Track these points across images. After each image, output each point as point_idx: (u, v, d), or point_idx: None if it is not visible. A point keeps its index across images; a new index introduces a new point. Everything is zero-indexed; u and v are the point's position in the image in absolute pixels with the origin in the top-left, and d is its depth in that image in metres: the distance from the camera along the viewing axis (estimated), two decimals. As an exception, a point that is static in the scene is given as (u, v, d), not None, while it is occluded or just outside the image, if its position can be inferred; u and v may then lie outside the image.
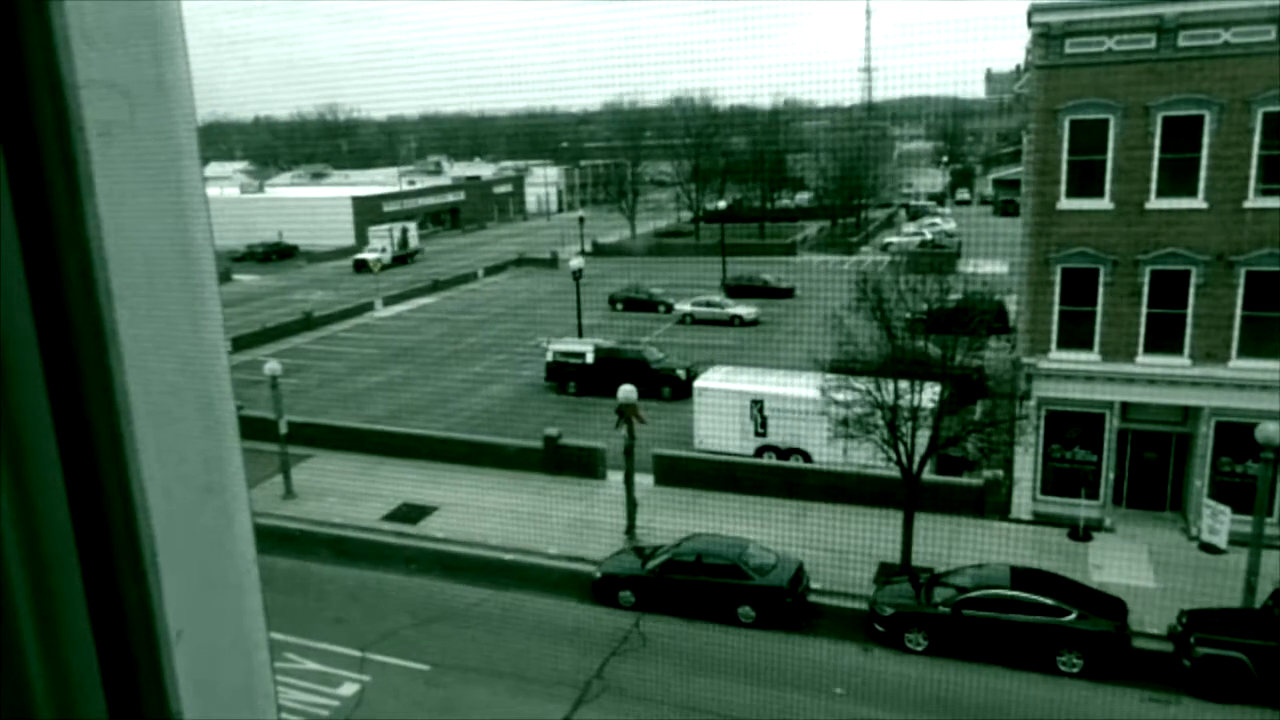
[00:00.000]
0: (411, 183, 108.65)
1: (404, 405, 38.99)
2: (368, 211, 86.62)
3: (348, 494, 29.25)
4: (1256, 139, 22.47)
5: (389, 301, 61.23)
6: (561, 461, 30.14)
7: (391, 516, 27.65)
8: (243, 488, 1.12)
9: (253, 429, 33.29)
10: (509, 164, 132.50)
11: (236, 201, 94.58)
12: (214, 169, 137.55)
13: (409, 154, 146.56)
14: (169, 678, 1.00)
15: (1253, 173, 22.64)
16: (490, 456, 31.13)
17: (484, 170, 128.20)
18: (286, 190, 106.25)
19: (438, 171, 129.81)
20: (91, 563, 0.94)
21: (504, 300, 62.72)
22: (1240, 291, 23.22)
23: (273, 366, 29.04)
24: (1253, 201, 22.79)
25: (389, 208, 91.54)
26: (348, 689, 19.20)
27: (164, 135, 1.00)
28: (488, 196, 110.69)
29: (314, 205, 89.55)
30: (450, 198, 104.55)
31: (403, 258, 76.15)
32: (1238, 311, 23.32)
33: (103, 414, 0.93)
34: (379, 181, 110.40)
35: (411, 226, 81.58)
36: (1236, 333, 23.42)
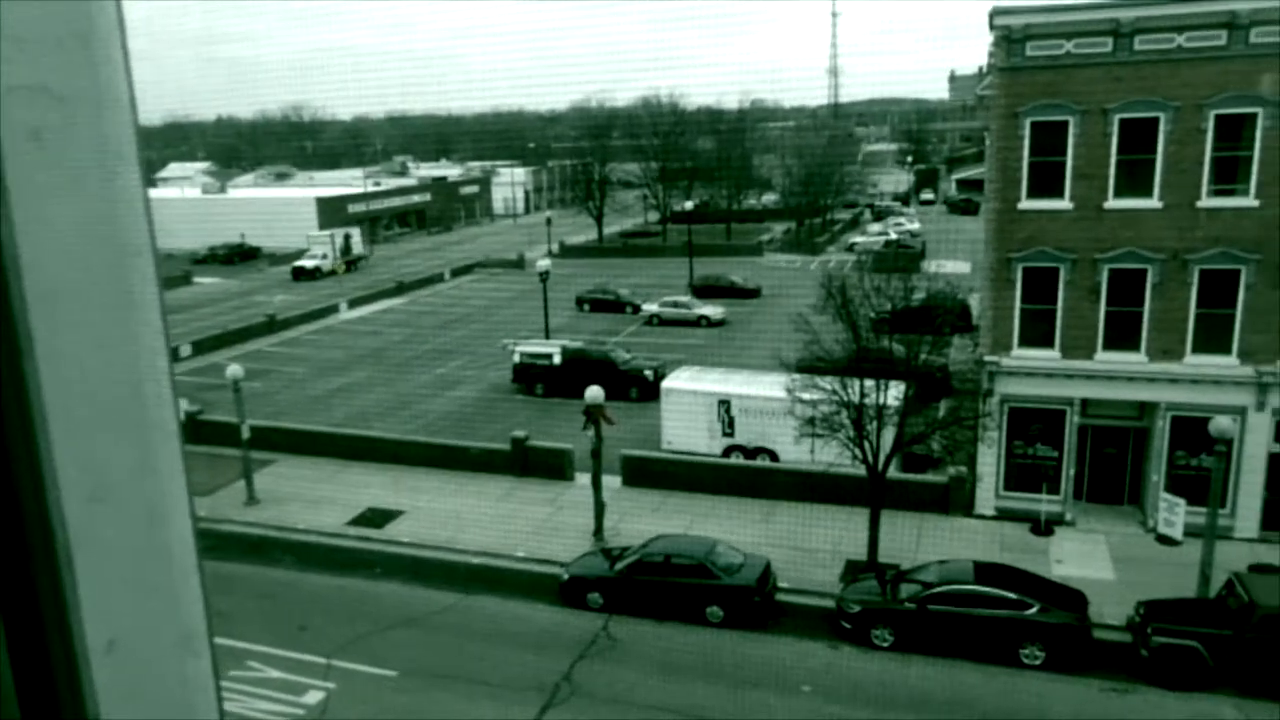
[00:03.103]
0: (377, 184, 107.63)
1: (369, 408, 38.66)
2: (332, 213, 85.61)
3: (312, 499, 28.95)
4: (1209, 141, 22.94)
5: (354, 304, 60.69)
6: (529, 463, 30.05)
7: (357, 521, 27.40)
8: (182, 493, 1.10)
9: (214, 433, 32.90)
10: (476, 165, 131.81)
11: (198, 202, 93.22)
12: (175, 169, 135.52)
13: (375, 155, 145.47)
14: (89, 689, 0.99)
15: (1205, 174, 23.12)
16: (457, 459, 30.96)
17: (450, 171, 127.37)
18: (249, 191, 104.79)
19: (403, 172, 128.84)
20: (6, 576, 0.92)
21: (470, 302, 62.39)
22: (1194, 289, 23.70)
23: (234, 370, 28.66)
24: (1205, 202, 23.27)
25: (354, 209, 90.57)
26: (312, 696, 19.00)
27: (99, 140, 0.99)
28: (454, 197, 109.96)
29: (277, 206, 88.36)
30: (416, 199, 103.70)
31: (346, 265, 72.61)
32: (1192, 309, 23.80)
33: (16, 422, 0.92)
34: (344, 182, 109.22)
35: (356, 232, 78.27)
36: (1190, 330, 23.91)
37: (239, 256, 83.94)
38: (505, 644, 20.78)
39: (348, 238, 76.48)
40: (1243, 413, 23.55)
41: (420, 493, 29.07)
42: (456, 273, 73.01)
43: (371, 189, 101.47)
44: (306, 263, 72.36)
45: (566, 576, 22.73)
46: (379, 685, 19.34)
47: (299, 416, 36.72)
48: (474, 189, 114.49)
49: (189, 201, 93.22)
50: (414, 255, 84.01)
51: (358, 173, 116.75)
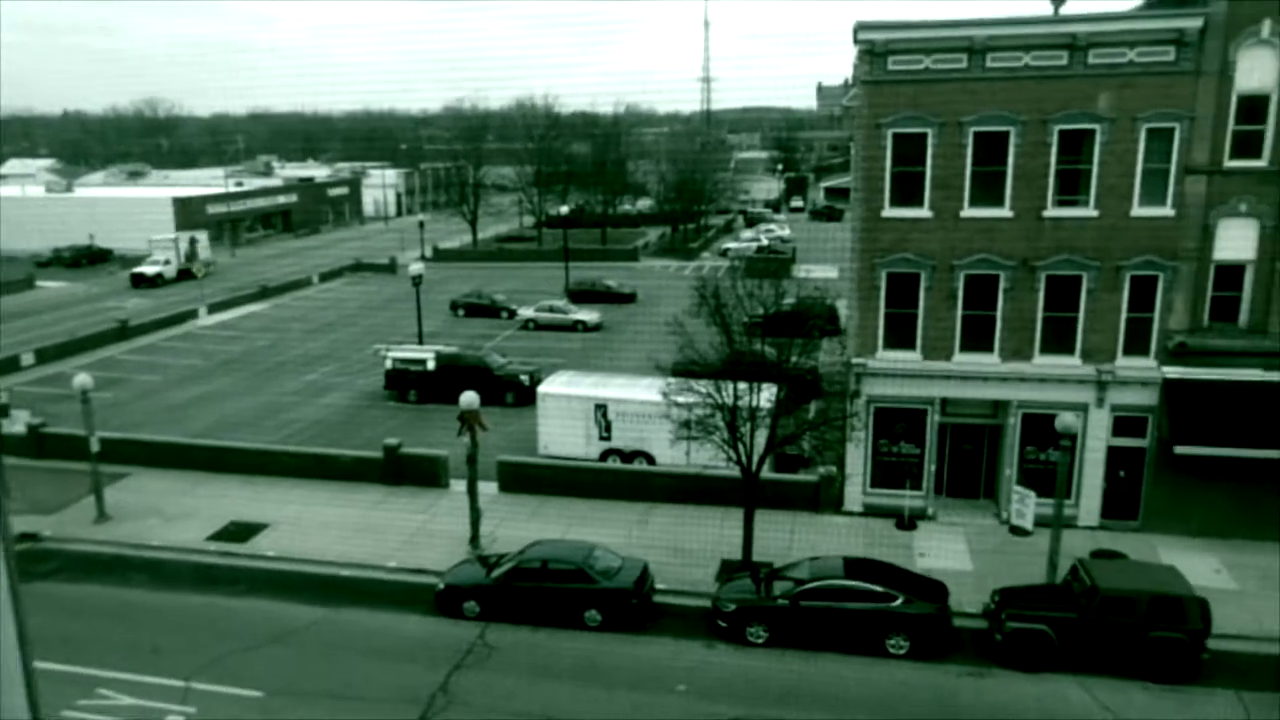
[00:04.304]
0: (239, 184, 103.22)
1: (233, 417, 37.01)
2: (190, 214, 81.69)
3: (170, 514, 27.47)
4: (1053, 154, 24.43)
5: (214, 309, 57.97)
6: (402, 471, 29.35)
7: (219, 536, 26.14)
8: None
9: (61, 447, 30.92)
10: (345, 166, 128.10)
11: (41, 201, 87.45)
12: (15, 166, 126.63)
13: (237, 153, 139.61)
14: None
15: (1050, 184, 24.60)
16: (326, 469, 29.99)
17: (318, 172, 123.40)
18: (99, 190, 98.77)
19: (268, 172, 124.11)
20: None
21: (340, 307, 60.56)
22: (1041, 294, 25.18)
23: (82, 379, 26.89)
24: (1051, 211, 24.77)
25: (213, 210, 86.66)
26: (171, 721, 17.98)
27: None
28: (322, 199, 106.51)
29: (130, 207, 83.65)
30: (281, 200, 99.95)
31: (189, 272, 66.80)
32: (1039, 313, 25.29)
33: None
34: (203, 182, 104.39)
35: (202, 236, 73.85)
36: (1039, 332, 25.39)
37: (87, 259, 79.03)
38: (378, 657, 20.20)
39: (193, 242, 71.98)
40: (1085, 409, 25.18)
41: (287, 504, 27.99)
42: (325, 277, 70.71)
43: (233, 189, 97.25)
44: (147, 269, 67.92)
45: (442, 586, 22.29)
46: (243, 707, 18.47)
47: (156, 428, 34.83)
48: (343, 190, 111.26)
49: (31, 200, 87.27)
50: (279, 258, 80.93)
51: (218, 172, 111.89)
